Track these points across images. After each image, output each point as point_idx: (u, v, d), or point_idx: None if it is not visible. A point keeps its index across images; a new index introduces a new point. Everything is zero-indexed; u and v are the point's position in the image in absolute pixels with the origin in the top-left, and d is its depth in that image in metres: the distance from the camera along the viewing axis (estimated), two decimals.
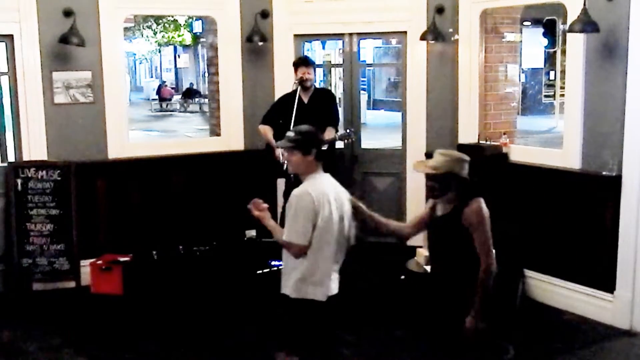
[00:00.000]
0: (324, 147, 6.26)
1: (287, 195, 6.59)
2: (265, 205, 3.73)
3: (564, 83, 6.31)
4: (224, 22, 6.96)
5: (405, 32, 6.87)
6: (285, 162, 6.16)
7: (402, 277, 5.69)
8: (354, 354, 4.91)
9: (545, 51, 20.55)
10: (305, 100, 6.46)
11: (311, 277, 3.53)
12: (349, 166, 7.13)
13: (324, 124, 6.39)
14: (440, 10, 6.56)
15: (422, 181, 6.92)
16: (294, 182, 6.54)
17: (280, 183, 6.66)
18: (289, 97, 6.39)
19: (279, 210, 6.88)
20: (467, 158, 3.62)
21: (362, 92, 12.31)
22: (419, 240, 5.97)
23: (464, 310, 3.50)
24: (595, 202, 5.39)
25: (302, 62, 6.53)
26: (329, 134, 6.37)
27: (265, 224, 3.71)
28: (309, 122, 6.26)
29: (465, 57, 6.51)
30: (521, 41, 7.77)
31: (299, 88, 6.36)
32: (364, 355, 4.94)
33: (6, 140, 6.63)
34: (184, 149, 7.11)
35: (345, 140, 6.56)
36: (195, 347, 5.04)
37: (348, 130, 6.49)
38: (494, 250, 3.57)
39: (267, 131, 6.51)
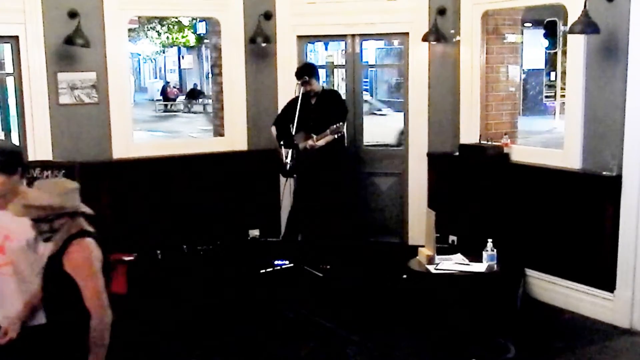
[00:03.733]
0: (322, 143, 6.34)
1: (294, 194, 6.68)
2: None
3: (564, 84, 6.33)
4: (227, 24, 7.00)
5: (407, 34, 6.90)
6: (289, 162, 6.26)
7: (404, 276, 5.72)
8: (358, 353, 4.95)
9: (546, 52, 20.52)
10: (312, 101, 6.55)
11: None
12: (352, 166, 7.16)
13: (328, 124, 6.44)
14: (441, 11, 6.59)
15: (424, 181, 6.99)
16: (298, 182, 6.64)
17: (283, 182, 6.70)
18: (297, 99, 6.41)
19: (282, 209, 6.95)
20: (62, 190, 3.03)
21: (364, 92, 12.31)
22: (420, 240, 6.02)
23: None
24: (595, 202, 5.41)
25: (300, 77, 6.44)
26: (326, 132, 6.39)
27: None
28: (314, 122, 6.40)
29: (466, 58, 6.55)
30: (522, 42, 7.78)
31: (302, 89, 6.41)
32: (367, 354, 4.97)
33: (11, 141, 6.66)
34: (188, 150, 7.14)
35: (336, 134, 6.42)
36: (199, 346, 5.08)
37: (336, 125, 6.30)
38: (106, 300, 3.13)
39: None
